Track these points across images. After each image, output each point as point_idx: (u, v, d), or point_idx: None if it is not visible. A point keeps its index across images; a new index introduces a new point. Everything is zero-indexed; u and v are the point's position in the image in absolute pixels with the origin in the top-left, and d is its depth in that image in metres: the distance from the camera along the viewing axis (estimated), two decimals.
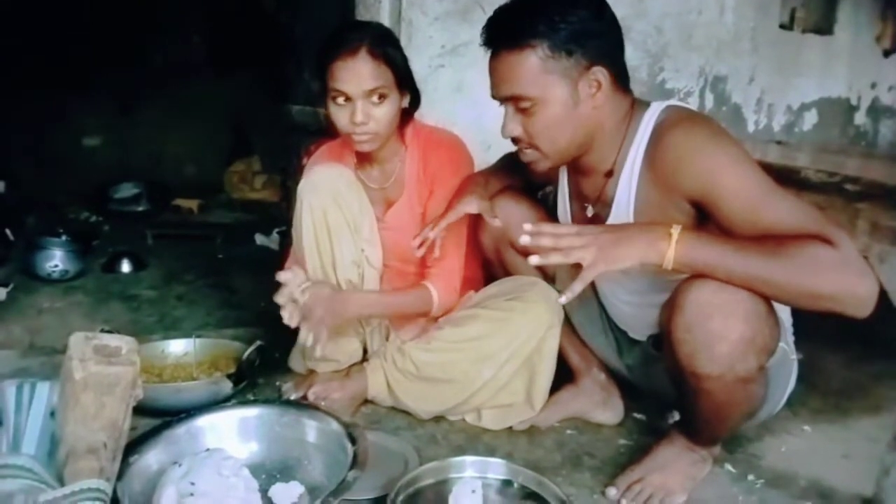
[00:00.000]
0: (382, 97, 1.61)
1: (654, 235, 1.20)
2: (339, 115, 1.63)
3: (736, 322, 1.21)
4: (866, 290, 1.13)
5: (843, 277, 1.13)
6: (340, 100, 1.61)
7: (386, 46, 1.61)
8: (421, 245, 1.58)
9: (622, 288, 1.58)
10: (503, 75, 1.34)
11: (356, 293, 1.73)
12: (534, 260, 1.21)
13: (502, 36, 1.33)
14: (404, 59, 1.67)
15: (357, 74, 1.58)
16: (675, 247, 1.18)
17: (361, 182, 1.78)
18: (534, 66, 1.30)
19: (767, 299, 1.23)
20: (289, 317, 1.56)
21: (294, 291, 1.56)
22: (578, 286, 1.21)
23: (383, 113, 1.62)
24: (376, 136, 1.64)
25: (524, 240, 1.22)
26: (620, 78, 1.36)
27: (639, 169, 1.36)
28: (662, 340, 1.34)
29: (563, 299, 1.23)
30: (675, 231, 1.19)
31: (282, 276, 1.58)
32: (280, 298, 1.57)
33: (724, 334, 1.21)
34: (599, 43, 1.31)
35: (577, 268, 1.23)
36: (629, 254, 1.20)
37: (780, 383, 1.49)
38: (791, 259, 1.15)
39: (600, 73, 1.31)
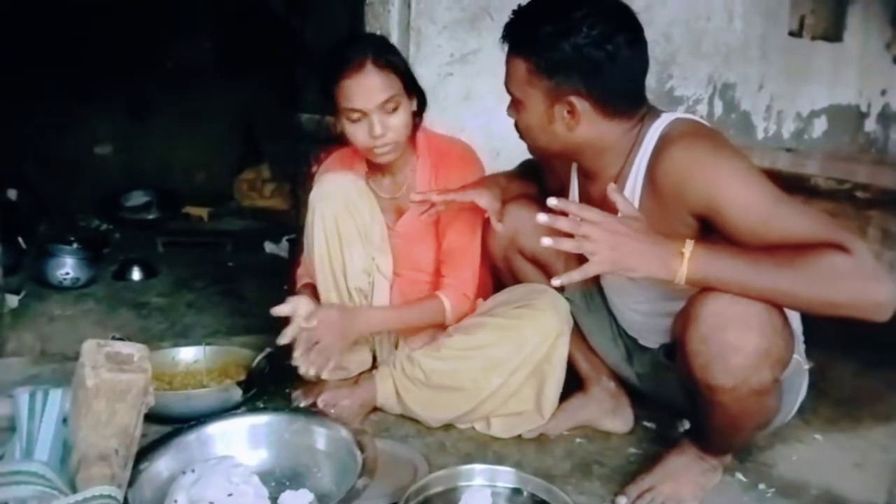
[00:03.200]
0: (396, 106, 1.62)
1: (666, 252, 1.19)
2: (357, 131, 1.63)
3: (751, 334, 1.20)
4: (885, 294, 1.12)
5: (861, 284, 1.12)
6: (355, 116, 1.61)
7: (388, 54, 1.63)
8: (421, 202, 1.62)
9: (632, 296, 1.58)
10: (505, 69, 1.41)
11: (365, 310, 1.73)
12: (545, 242, 1.19)
13: (507, 37, 1.38)
14: (406, 63, 1.69)
15: (367, 89, 1.58)
16: (686, 265, 1.18)
17: (372, 191, 1.79)
18: (521, 74, 1.36)
19: (782, 311, 1.22)
20: (304, 364, 1.57)
21: (300, 324, 1.56)
22: (577, 276, 1.22)
23: (399, 121, 1.63)
24: (396, 144, 1.66)
25: (541, 218, 1.19)
26: (616, 106, 1.33)
27: (642, 180, 1.35)
28: (674, 350, 1.34)
29: (557, 282, 1.23)
30: (687, 249, 1.18)
31: (281, 310, 1.58)
32: (284, 339, 1.57)
33: (740, 346, 1.20)
34: (588, 76, 1.28)
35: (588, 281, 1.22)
36: (639, 267, 1.20)
37: (792, 392, 1.48)
38: (805, 270, 1.14)
39: (578, 104, 1.31)
